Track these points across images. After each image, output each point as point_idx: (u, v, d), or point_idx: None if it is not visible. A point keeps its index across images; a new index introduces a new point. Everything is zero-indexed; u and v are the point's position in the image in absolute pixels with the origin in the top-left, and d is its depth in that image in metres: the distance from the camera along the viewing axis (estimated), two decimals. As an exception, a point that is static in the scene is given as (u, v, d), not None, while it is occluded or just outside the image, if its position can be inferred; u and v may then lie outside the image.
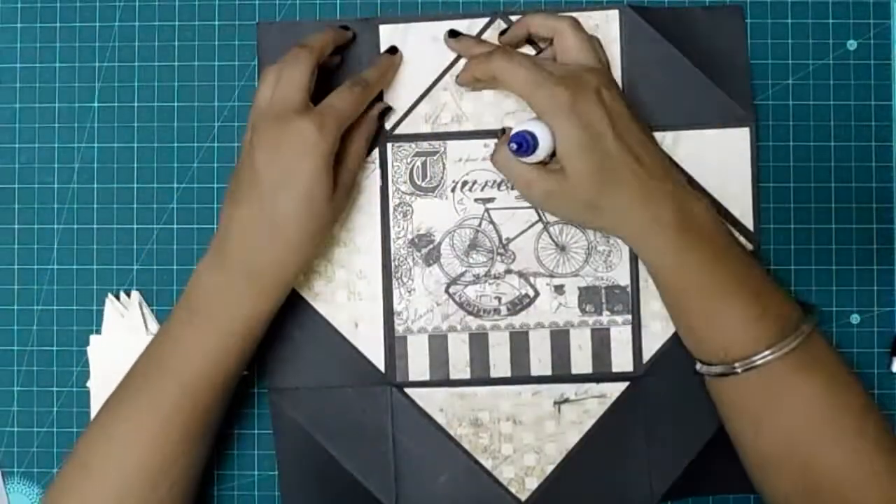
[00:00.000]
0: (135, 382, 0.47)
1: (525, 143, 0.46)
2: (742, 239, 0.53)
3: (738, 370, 0.45)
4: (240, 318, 0.46)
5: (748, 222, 0.53)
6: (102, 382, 0.53)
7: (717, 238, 0.47)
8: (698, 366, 0.48)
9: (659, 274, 0.48)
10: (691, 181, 0.53)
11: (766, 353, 0.44)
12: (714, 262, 0.46)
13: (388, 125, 0.54)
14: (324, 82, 0.51)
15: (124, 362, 0.48)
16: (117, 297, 0.54)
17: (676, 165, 0.52)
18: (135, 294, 0.54)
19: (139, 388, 0.47)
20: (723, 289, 0.46)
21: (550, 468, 0.53)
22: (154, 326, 0.54)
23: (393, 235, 0.54)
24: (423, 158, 0.54)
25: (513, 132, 0.47)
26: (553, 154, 0.47)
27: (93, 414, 0.53)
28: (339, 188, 0.48)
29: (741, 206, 0.53)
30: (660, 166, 0.47)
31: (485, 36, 0.53)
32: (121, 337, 0.54)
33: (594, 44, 0.50)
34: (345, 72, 0.54)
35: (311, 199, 0.46)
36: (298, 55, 0.47)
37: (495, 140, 0.53)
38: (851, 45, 0.54)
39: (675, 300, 0.48)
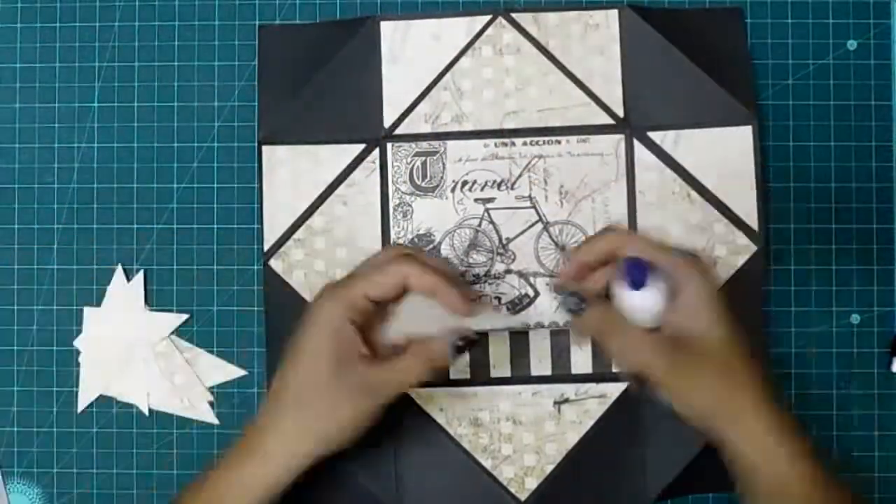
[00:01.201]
0: None
1: (639, 273, 0.41)
2: (746, 239, 0.53)
3: None
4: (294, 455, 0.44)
5: (752, 222, 0.53)
6: (90, 344, 0.54)
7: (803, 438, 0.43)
8: None
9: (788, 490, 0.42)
10: (693, 180, 0.53)
11: None
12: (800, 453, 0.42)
13: (387, 124, 0.54)
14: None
15: (117, 331, 0.52)
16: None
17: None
18: (139, 274, 0.54)
19: None
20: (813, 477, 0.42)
21: (550, 468, 0.53)
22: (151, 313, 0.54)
23: (393, 235, 0.54)
24: (423, 158, 0.54)
25: (624, 262, 0.42)
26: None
27: (82, 370, 0.54)
28: (376, 367, 0.44)
29: (744, 206, 0.53)
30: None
31: (486, 35, 0.53)
32: (119, 308, 0.54)
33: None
34: (343, 70, 0.54)
35: (318, 367, 0.44)
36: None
37: (495, 140, 0.53)
38: (851, 45, 0.54)
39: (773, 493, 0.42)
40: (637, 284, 0.41)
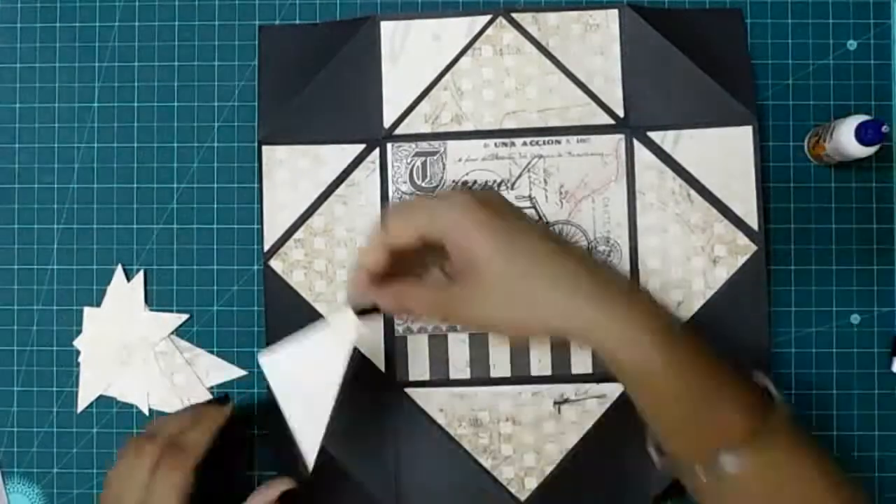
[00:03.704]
0: None
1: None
2: (746, 239, 0.53)
3: (702, 474, 0.40)
4: None
5: (752, 222, 0.53)
6: (90, 345, 0.54)
7: (692, 336, 0.42)
8: (661, 462, 0.43)
9: (645, 381, 0.41)
10: (693, 180, 0.53)
11: (736, 455, 0.39)
12: (695, 362, 0.41)
13: (387, 125, 0.54)
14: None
15: (117, 331, 0.53)
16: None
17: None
18: (139, 274, 0.54)
19: None
20: (708, 386, 0.40)
21: (550, 468, 0.53)
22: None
23: (393, 235, 0.54)
24: (423, 158, 0.54)
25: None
26: None
27: (82, 370, 0.54)
28: None
29: (744, 206, 0.53)
30: (591, 262, 0.42)
31: (486, 35, 0.53)
32: (119, 308, 0.54)
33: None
34: (343, 70, 0.54)
35: None
36: (141, 449, 0.45)
37: (495, 140, 0.53)
38: (851, 45, 0.54)
39: (663, 405, 0.41)
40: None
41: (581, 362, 0.53)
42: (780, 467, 0.40)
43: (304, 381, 0.45)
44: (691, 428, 0.41)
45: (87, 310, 0.54)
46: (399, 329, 0.53)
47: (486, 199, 0.41)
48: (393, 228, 0.42)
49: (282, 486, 0.49)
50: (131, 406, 0.54)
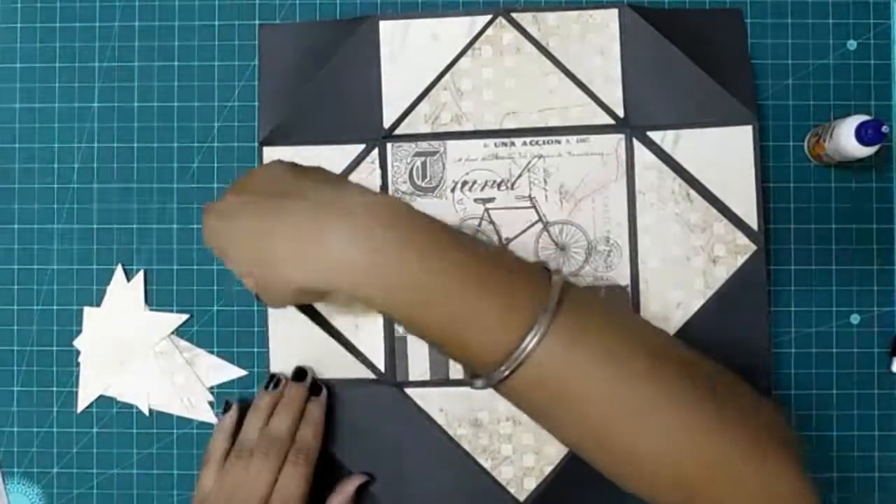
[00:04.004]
0: None
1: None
2: (745, 239, 0.53)
3: (506, 373, 0.38)
4: None
5: (752, 222, 0.53)
6: (90, 345, 0.54)
7: (423, 232, 0.39)
8: (474, 382, 0.41)
9: (375, 303, 0.39)
10: (693, 180, 0.53)
11: (522, 347, 0.37)
12: (426, 267, 0.39)
13: (387, 125, 0.54)
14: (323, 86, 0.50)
15: (117, 331, 0.53)
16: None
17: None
18: (139, 274, 0.54)
19: None
20: (448, 292, 0.38)
21: (549, 469, 0.53)
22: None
23: (393, 235, 0.54)
24: (423, 158, 0.54)
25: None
26: None
27: (82, 370, 0.54)
28: None
29: (744, 206, 0.53)
30: (301, 191, 0.41)
31: (486, 35, 0.53)
32: (119, 308, 0.54)
33: None
34: (343, 70, 0.54)
35: None
36: (270, 450, 0.48)
37: (495, 140, 0.53)
38: (851, 45, 0.54)
39: (408, 322, 0.40)
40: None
41: (581, 362, 0.53)
42: (546, 381, 0.38)
43: None
44: (443, 351, 0.41)
45: (87, 310, 0.54)
46: (399, 329, 0.53)
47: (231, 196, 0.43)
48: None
49: (357, 481, 0.52)
50: (131, 406, 0.54)
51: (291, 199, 0.40)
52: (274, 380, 0.52)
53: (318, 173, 0.43)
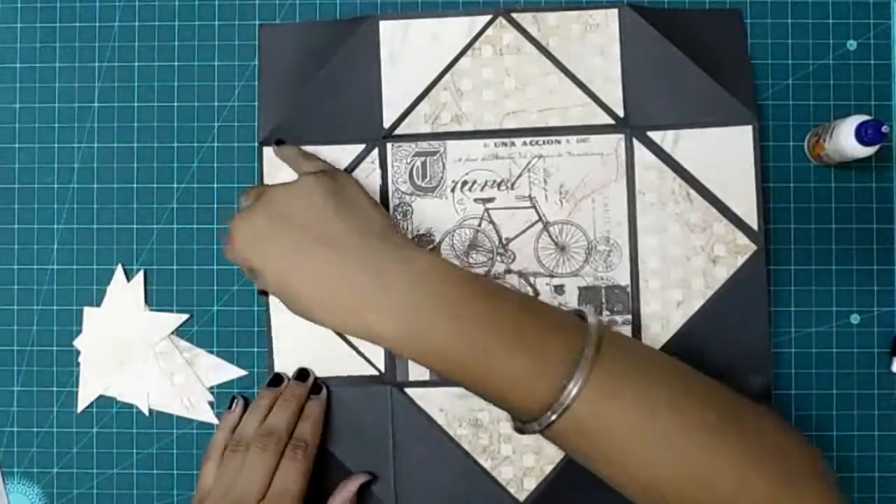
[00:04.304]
0: None
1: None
2: (745, 239, 0.53)
3: (544, 425, 0.39)
4: None
5: (752, 222, 0.53)
6: (90, 345, 0.54)
7: (455, 297, 0.41)
8: (516, 426, 0.42)
9: (434, 354, 0.41)
10: (693, 180, 0.53)
11: (562, 398, 0.39)
12: (461, 329, 0.40)
13: (387, 125, 0.54)
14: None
15: (117, 331, 0.53)
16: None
17: None
18: (139, 274, 0.54)
19: None
20: (485, 350, 0.40)
21: (549, 468, 0.53)
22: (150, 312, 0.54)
23: (393, 235, 0.54)
24: (423, 158, 0.54)
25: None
26: None
27: (82, 370, 0.54)
28: None
29: (744, 206, 0.53)
30: (353, 248, 0.42)
31: (486, 35, 0.54)
32: (119, 308, 0.54)
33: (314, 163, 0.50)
34: (343, 70, 0.54)
35: None
36: (267, 445, 0.47)
37: (495, 140, 0.53)
38: (851, 45, 0.54)
39: (449, 376, 0.41)
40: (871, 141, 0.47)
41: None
42: (586, 428, 0.39)
43: None
44: (494, 400, 0.42)
45: (87, 310, 0.54)
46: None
47: (251, 218, 0.44)
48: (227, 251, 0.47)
49: (359, 480, 0.52)
50: (131, 406, 0.54)
51: (327, 248, 0.42)
52: (276, 378, 0.52)
53: (358, 216, 0.44)
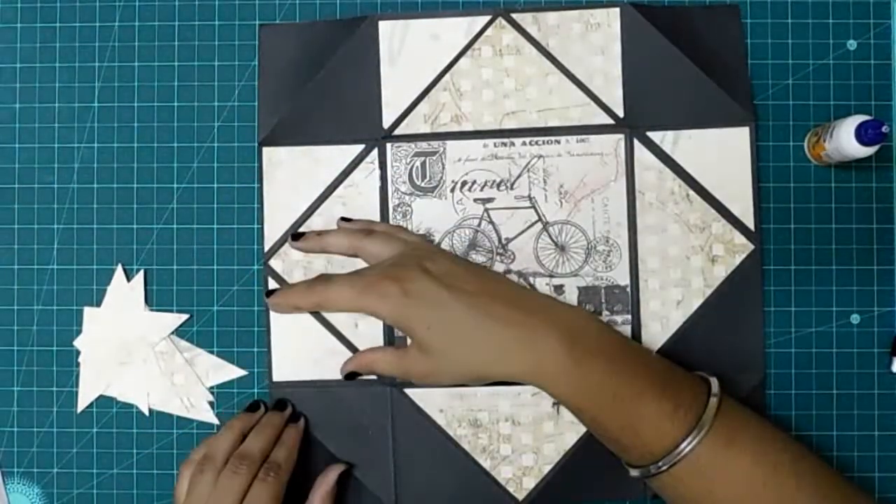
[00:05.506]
0: None
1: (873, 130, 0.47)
2: (743, 238, 0.53)
3: (665, 467, 0.44)
4: None
5: (749, 222, 0.53)
6: (90, 345, 0.54)
7: (610, 344, 0.46)
8: (632, 471, 0.47)
9: (570, 401, 0.46)
10: (692, 180, 0.53)
11: (688, 442, 0.43)
12: (613, 370, 0.45)
13: (386, 125, 0.54)
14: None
15: (117, 331, 0.53)
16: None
17: None
18: (139, 274, 0.54)
19: None
20: (631, 393, 0.45)
21: (548, 468, 0.53)
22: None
23: (392, 235, 0.54)
24: (423, 158, 0.54)
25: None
26: None
27: (82, 370, 0.54)
28: None
29: (741, 206, 0.53)
30: (516, 297, 0.48)
31: (485, 35, 0.54)
32: (119, 308, 0.54)
33: (394, 228, 0.52)
34: (342, 70, 0.54)
35: None
36: (239, 468, 0.47)
37: (495, 140, 0.53)
38: (851, 45, 0.54)
39: (591, 419, 0.46)
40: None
41: (580, 362, 0.53)
42: (704, 474, 0.44)
43: None
44: (613, 444, 0.47)
45: (87, 310, 0.54)
46: (399, 331, 0.53)
47: (407, 278, 0.47)
48: (334, 303, 0.49)
49: (337, 470, 0.51)
50: (131, 406, 0.54)
51: (501, 304, 0.47)
52: (254, 405, 0.52)
53: (501, 279, 0.51)
